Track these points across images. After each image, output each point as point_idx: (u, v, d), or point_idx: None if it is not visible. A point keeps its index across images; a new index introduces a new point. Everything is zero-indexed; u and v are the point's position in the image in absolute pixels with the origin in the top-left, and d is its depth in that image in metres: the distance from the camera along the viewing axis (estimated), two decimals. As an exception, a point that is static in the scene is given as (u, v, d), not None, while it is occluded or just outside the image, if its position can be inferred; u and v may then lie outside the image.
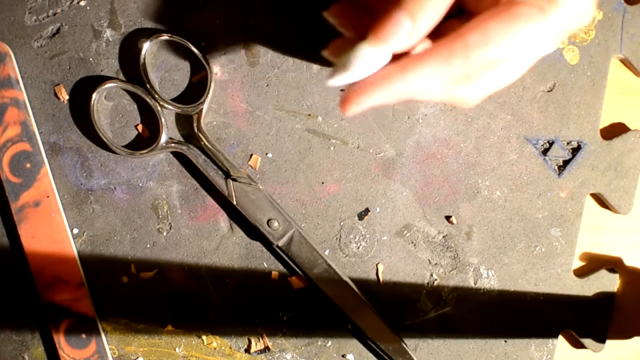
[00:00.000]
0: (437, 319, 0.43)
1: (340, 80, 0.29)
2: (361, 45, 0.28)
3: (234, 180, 0.41)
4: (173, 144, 0.42)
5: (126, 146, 0.42)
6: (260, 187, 0.42)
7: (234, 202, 0.41)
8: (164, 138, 0.41)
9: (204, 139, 0.41)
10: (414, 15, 0.27)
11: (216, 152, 0.41)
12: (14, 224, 0.42)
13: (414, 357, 0.41)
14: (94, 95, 0.41)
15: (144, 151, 0.42)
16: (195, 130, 0.41)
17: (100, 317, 0.42)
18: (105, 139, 0.41)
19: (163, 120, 0.41)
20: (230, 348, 0.43)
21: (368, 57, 0.28)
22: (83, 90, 0.42)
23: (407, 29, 0.27)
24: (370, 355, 0.43)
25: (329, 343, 0.43)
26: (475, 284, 0.43)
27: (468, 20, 0.28)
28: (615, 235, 0.44)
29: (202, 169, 0.41)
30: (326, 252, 0.43)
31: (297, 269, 0.42)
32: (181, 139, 0.42)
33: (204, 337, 0.43)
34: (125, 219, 0.43)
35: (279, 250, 0.42)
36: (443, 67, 0.27)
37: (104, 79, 0.42)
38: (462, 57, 0.27)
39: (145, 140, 0.43)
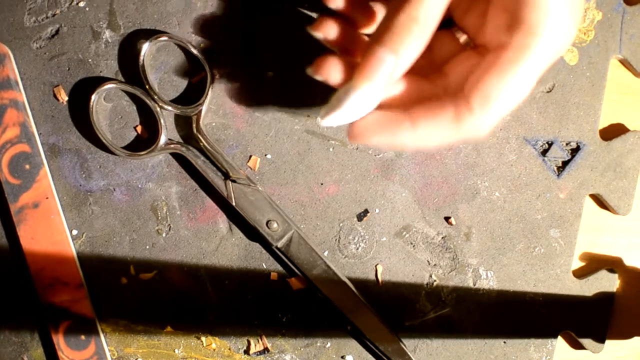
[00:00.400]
0: (436, 319, 0.43)
1: (333, 120, 0.30)
2: (349, 85, 0.28)
3: (233, 181, 0.41)
4: (172, 145, 0.42)
5: (125, 147, 0.42)
6: (260, 188, 0.42)
7: (233, 204, 0.41)
8: (163, 139, 0.41)
9: (203, 140, 0.41)
10: (396, 51, 0.27)
11: (215, 154, 0.41)
12: (13, 225, 0.42)
13: (413, 358, 0.41)
14: (93, 97, 0.41)
15: (143, 152, 0.42)
16: (195, 131, 0.41)
17: (99, 318, 0.42)
18: (104, 140, 0.41)
19: (162, 121, 0.41)
20: (229, 349, 0.43)
21: (357, 96, 0.28)
22: (82, 91, 0.42)
23: (391, 65, 0.28)
24: (369, 356, 0.43)
25: (328, 344, 0.43)
26: (474, 284, 0.43)
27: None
28: (614, 235, 0.44)
29: (201, 170, 0.41)
30: (325, 253, 0.43)
31: (296, 270, 0.42)
32: (180, 140, 0.42)
33: (203, 338, 0.43)
34: (125, 220, 0.43)
35: (278, 252, 0.42)
36: (452, 127, 0.29)
37: (103, 80, 0.42)
38: (470, 117, 0.28)
39: (145, 142, 0.43)
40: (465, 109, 0.28)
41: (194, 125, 0.42)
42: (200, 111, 0.41)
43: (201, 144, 0.42)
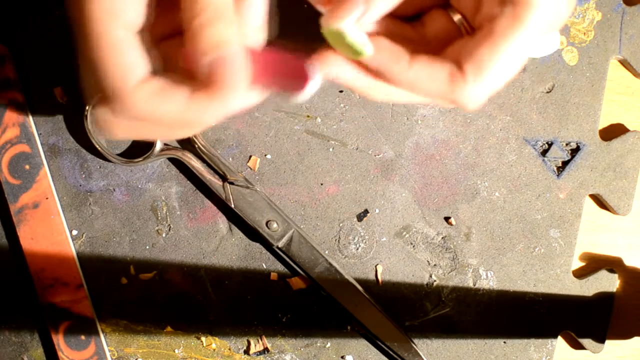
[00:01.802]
0: (436, 319, 0.43)
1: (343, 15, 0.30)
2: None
3: (231, 183, 0.41)
4: (168, 150, 0.41)
5: (122, 154, 0.42)
6: (258, 189, 0.42)
7: (232, 206, 0.41)
8: (159, 145, 0.41)
9: (199, 143, 0.41)
10: (367, 2, 0.28)
11: (212, 156, 0.41)
12: (13, 226, 0.42)
13: (419, 352, 0.41)
14: (88, 107, 0.41)
15: (139, 159, 0.41)
16: (191, 135, 0.41)
17: (99, 319, 0.42)
18: (99, 148, 0.41)
19: None
20: (229, 349, 0.43)
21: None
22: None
23: (360, 12, 0.28)
24: (369, 356, 0.43)
25: (328, 344, 0.43)
26: (474, 284, 0.43)
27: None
28: (614, 235, 0.44)
29: (199, 174, 0.41)
30: (325, 253, 0.43)
31: (298, 269, 0.42)
32: (177, 145, 0.42)
33: (203, 339, 0.43)
34: (125, 220, 0.43)
35: (279, 251, 0.42)
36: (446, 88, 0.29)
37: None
38: (463, 84, 0.28)
39: (141, 147, 0.43)
40: (459, 75, 0.28)
41: None
42: None
43: (197, 147, 0.41)
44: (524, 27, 0.28)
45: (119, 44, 0.26)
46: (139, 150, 0.42)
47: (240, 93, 0.27)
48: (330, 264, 0.41)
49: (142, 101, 0.27)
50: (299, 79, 0.28)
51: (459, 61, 0.29)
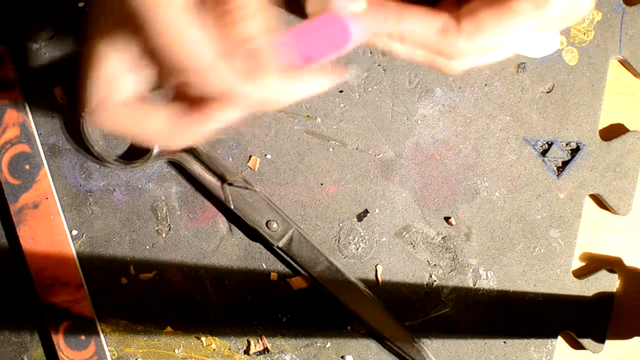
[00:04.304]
0: (436, 320, 0.43)
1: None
2: None
3: (230, 184, 0.41)
4: (166, 153, 0.41)
5: (121, 156, 0.42)
6: (257, 189, 0.42)
7: (232, 207, 0.41)
8: (157, 148, 0.41)
9: (197, 146, 0.41)
10: None
11: (210, 158, 0.41)
12: (13, 226, 0.42)
13: (424, 348, 0.41)
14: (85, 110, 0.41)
15: (136, 163, 0.41)
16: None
17: (99, 319, 0.42)
18: (95, 153, 0.41)
19: None
20: (229, 349, 0.43)
21: None
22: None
23: None
24: (369, 356, 0.43)
25: (328, 344, 0.43)
26: (474, 285, 0.43)
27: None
28: (614, 235, 0.44)
29: (198, 176, 0.41)
30: (326, 252, 0.43)
31: (299, 268, 0.42)
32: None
33: (203, 339, 0.43)
34: (125, 220, 0.43)
35: (279, 251, 0.42)
36: (432, 40, 0.28)
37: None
38: (455, 38, 0.28)
39: (139, 149, 0.42)
40: (454, 27, 0.28)
41: None
42: None
43: (196, 149, 0.41)
44: (545, 10, 0.27)
45: (180, 24, 0.26)
46: (136, 153, 0.42)
47: (276, 79, 0.27)
48: (331, 263, 0.41)
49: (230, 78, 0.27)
50: (338, 35, 0.28)
51: (458, 16, 0.28)
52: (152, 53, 0.27)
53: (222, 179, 0.41)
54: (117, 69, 0.28)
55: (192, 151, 0.42)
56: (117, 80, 0.28)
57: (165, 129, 0.28)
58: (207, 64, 0.26)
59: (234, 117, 0.28)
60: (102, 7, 0.28)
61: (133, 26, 0.26)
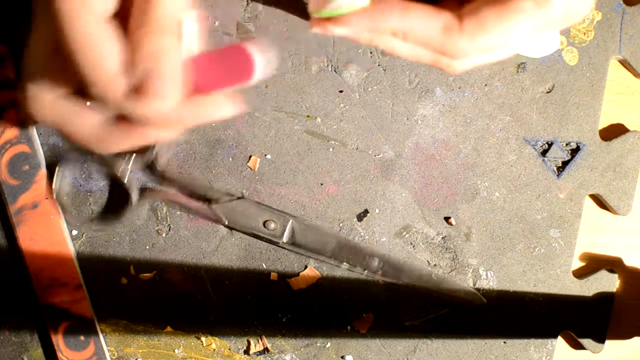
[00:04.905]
0: (436, 319, 0.43)
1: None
2: None
3: (216, 202, 0.41)
4: (148, 197, 0.41)
5: (99, 214, 0.42)
6: (243, 194, 0.42)
7: (226, 224, 0.41)
8: (134, 198, 0.41)
9: (168, 181, 0.41)
10: None
11: (187, 184, 0.41)
12: (13, 226, 0.42)
13: (461, 284, 0.42)
14: (55, 178, 0.41)
15: (115, 218, 0.42)
16: (158, 172, 0.41)
17: (99, 319, 0.42)
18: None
19: (126, 182, 0.41)
20: (229, 349, 0.43)
21: None
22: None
23: None
24: (370, 356, 0.43)
25: (328, 344, 0.43)
26: (474, 285, 0.43)
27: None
28: (614, 235, 0.44)
29: (184, 206, 0.41)
30: (329, 226, 0.43)
31: (312, 255, 0.42)
32: (155, 186, 0.42)
33: (203, 339, 0.43)
34: (124, 220, 0.43)
35: (287, 248, 0.42)
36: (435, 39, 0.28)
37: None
38: (457, 37, 0.28)
39: (119, 201, 0.42)
40: (456, 26, 0.28)
41: (156, 169, 0.41)
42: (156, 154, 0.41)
43: (172, 179, 0.41)
44: (546, 9, 0.27)
45: (92, 34, 0.26)
46: (116, 206, 0.42)
47: (170, 103, 0.27)
48: (339, 235, 0.41)
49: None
50: (244, 66, 0.27)
51: (460, 15, 0.28)
52: (68, 57, 0.26)
53: (208, 200, 0.41)
54: (47, 64, 0.27)
55: (170, 182, 0.41)
56: (48, 75, 0.28)
57: (94, 134, 0.28)
58: (107, 78, 0.26)
59: (154, 136, 0.28)
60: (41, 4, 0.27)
61: (55, 27, 0.26)
